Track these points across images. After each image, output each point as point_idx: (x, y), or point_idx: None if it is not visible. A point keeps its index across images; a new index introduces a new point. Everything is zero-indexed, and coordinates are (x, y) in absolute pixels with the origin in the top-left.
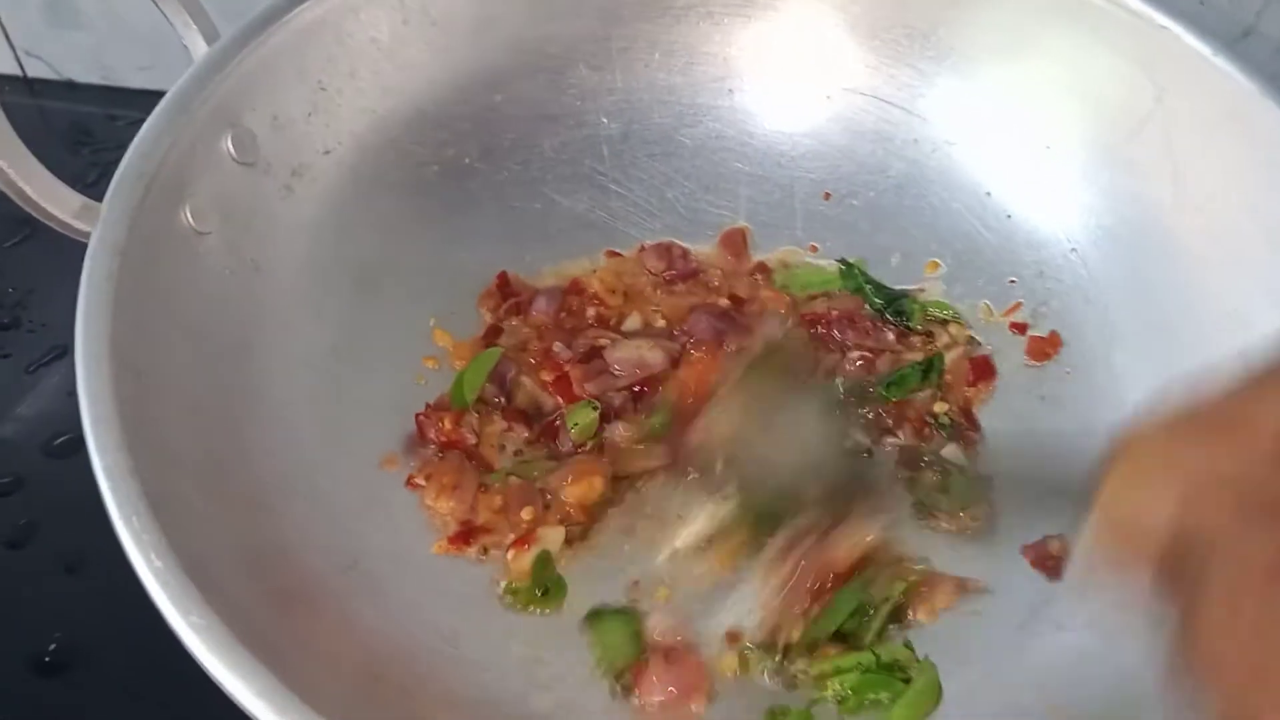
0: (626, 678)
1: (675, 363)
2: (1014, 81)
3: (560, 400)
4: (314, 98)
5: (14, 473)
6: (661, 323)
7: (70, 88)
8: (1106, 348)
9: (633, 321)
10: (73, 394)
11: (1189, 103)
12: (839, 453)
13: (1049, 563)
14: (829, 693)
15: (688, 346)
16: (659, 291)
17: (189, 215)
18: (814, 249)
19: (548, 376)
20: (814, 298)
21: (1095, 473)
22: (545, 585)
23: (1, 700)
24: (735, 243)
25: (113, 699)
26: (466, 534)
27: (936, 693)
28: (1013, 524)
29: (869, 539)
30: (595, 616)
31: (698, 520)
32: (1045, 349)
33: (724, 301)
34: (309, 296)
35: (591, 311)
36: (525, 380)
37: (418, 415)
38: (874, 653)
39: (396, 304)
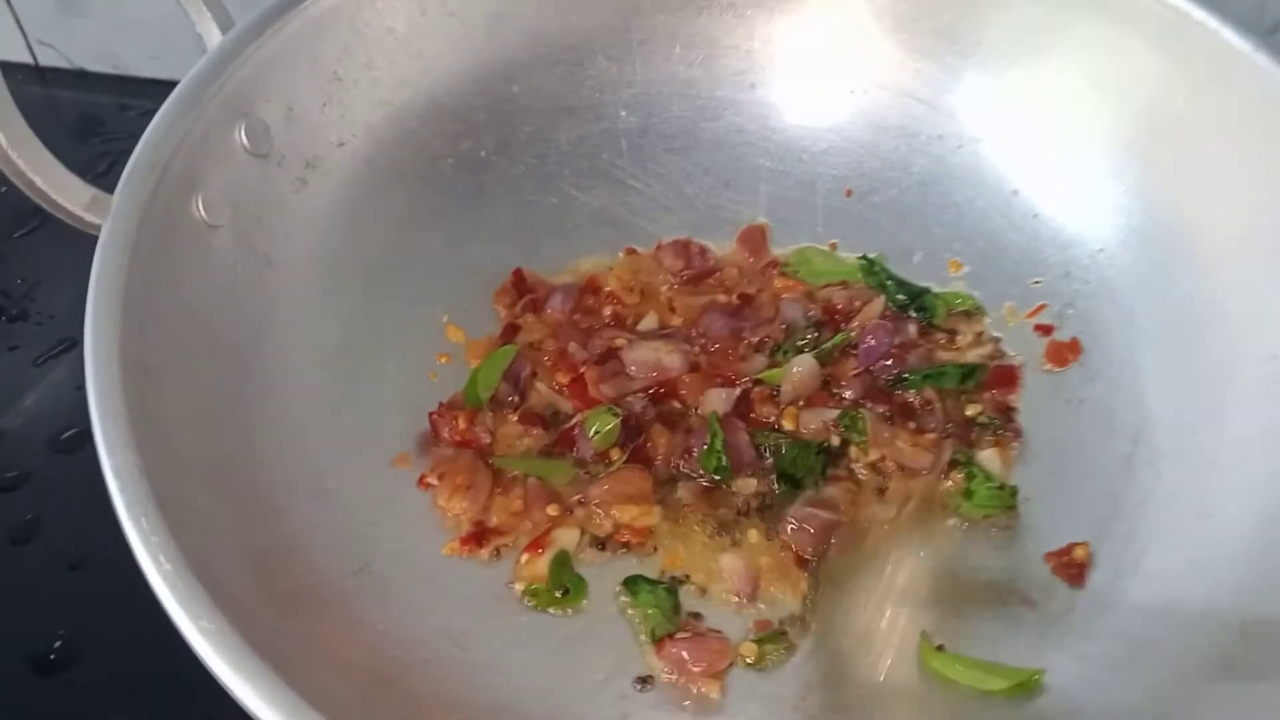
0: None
1: (694, 367)
2: (1042, 78)
3: (576, 405)
4: (329, 88)
5: (19, 467)
6: (678, 322)
7: (81, 76)
8: (1132, 350)
9: (649, 321)
10: (81, 388)
11: (1224, 101)
12: None
13: (1072, 570)
14: None
15: (706, 348)
16: (677, 290)
17: (200, 207)
18: (834, 246)
19: (563, 379)
20: (828, 286)
21: None
22: (565, 585)
23: (4, 698)
24: (754, 240)
25: (116, 697)
26: (479, 535)
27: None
28: (1036, 530)
29: None
30: (634, 584)
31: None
32: (1065, 354)
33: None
34: (321, 291)
35: (608, 310)
36: (540, 386)
37: (431, 414)
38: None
39: (409, 299)
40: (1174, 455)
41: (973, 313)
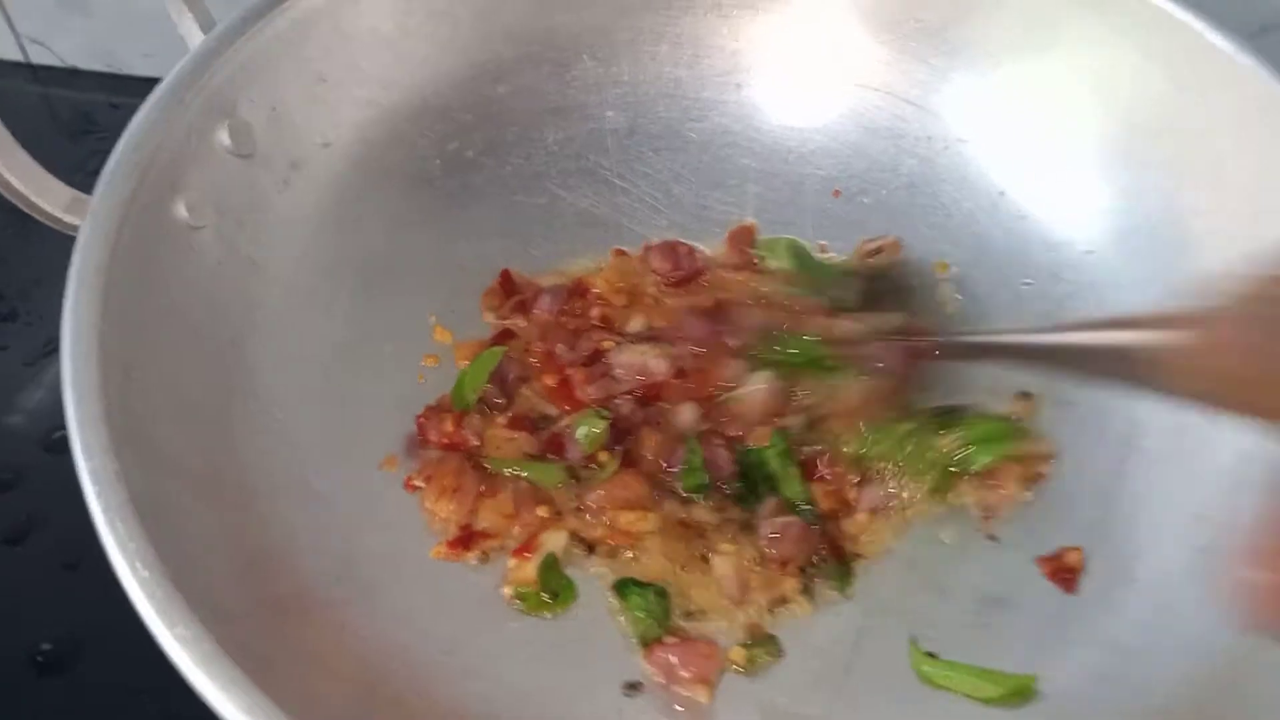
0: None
1: (681, 373)
2: (1030, 78)
3: (562, 408)
4: (313, 88)
5: (13, 467)
6: (664, 324)
7: (74, 75)
8: None
9: (636, 323)
10: None
11: (1211, 101)
12: None
13: (1065, 575)
14: None
15: (689, 352)
16: (664, 291)
17: (183, 208)
18: (823, 248)
19: (550, 381)
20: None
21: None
22: (554, 589)
23: (0, 698)
24: (743, 240)
25: (112, 697)
26: (466, 539)
27: (1017, 694)
28: (1027, 535)
29: None
30: (624, 588)
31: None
32: None
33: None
34: (306, 293)
35: (596, 311)
36: (526, 391)
37: (418, 417)
38: None
39: (396, 301)
40: (1166, 458)
41: None
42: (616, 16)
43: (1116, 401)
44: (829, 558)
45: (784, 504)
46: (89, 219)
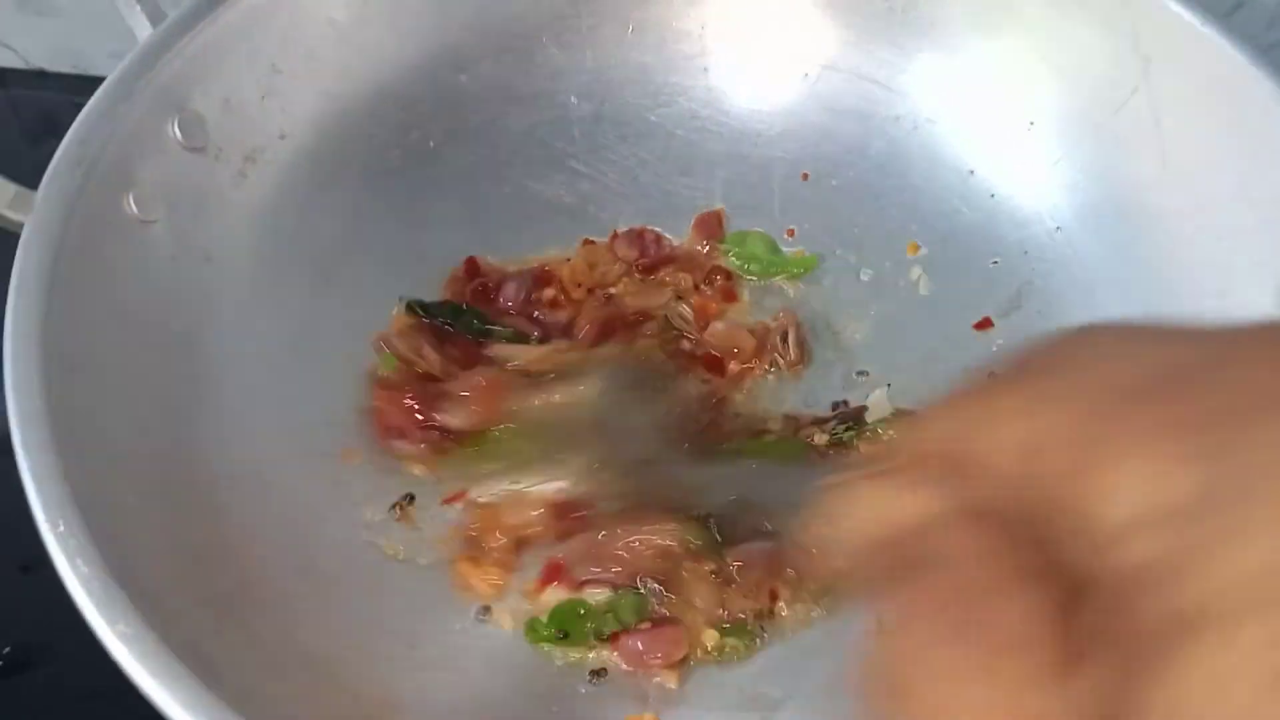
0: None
1: None
2: (996, 56)
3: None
4: (268, 80)
5: None
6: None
7: (40, 76)
8: None
9: (559, 316)
10: None
11: (1176, 75)
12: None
13: None
14: None
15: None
16: (632, 280)
17: (132, 203)
18: (791, 233)
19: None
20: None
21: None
22: (567, 630)
23: None
24: (710, 226)
25: (70, 702)
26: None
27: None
28: None
29: None
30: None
31: None
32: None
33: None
34: (263, 287)
35: (549, 293)
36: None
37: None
38: None
39: (357, 293)
40: None
41: None
42: (580, 2)
43: None
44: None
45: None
46: (33, 215)
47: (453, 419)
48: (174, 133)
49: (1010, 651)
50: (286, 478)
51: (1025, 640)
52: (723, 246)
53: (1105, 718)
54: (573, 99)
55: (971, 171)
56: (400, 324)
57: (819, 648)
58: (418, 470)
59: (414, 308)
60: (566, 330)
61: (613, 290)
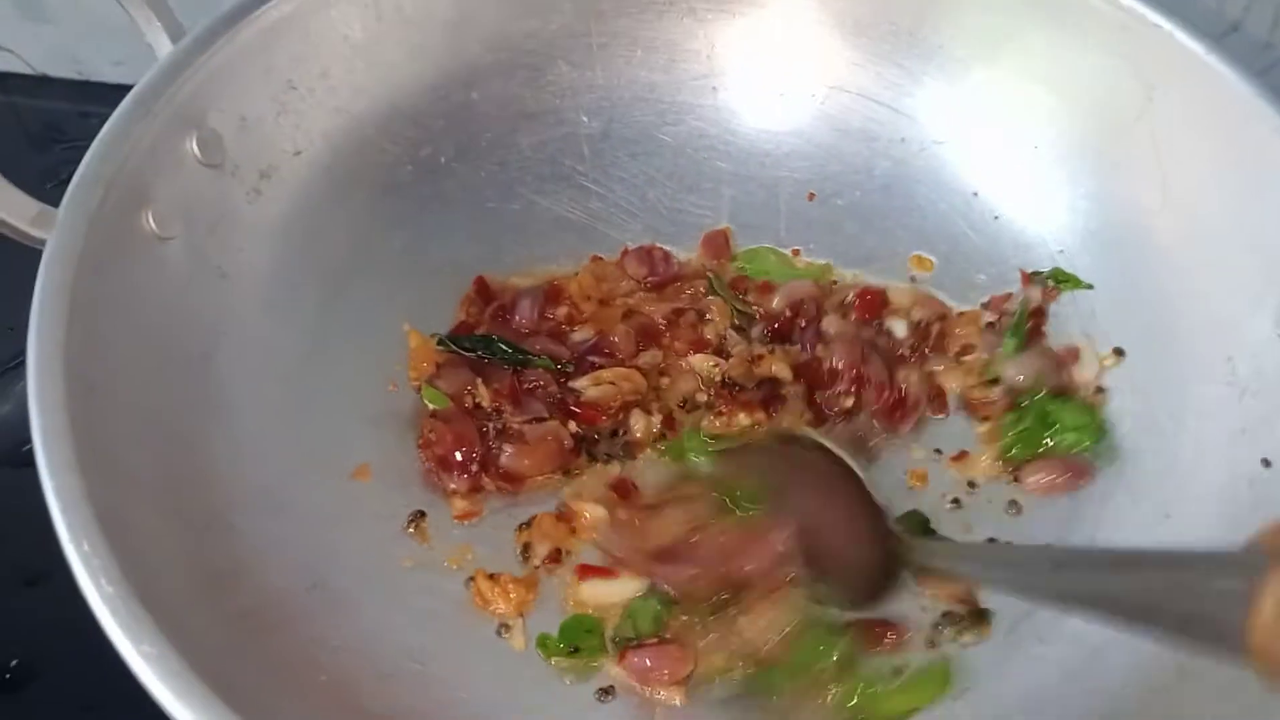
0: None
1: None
2: (1002, 80)
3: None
4: (284, 97)
5: None
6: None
7: (43, 83)
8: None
9: (583, 334)
10: None
11: (1178, 103)
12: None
13: None
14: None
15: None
16: (640, 297)
17: (151, 220)
18: (796, 253)
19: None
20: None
21: None
22: (578, 645)
23: None
24: (718, 245)
25: (75, 714)
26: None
27: (944, 683)
28: (998, 533)
29: None
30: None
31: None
32: None
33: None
34: (277, 303)
35: (562, 310)
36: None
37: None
38: None
39: (368, 309)
40: (1134, 456)
41: None
42: (590, 21)
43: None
44: None
45: None
46: (55, 233)
47: (512, 462)
48: (192, 150)
49: None
50: (299, 496)
51: None
52: (734, 264)
53: None
54: (583, 117)
55: (976, 194)
56: (427, 355)
57: None
58: (460, 504)
59: (445, 343)
60: (597, 348)
61: (630, 302)
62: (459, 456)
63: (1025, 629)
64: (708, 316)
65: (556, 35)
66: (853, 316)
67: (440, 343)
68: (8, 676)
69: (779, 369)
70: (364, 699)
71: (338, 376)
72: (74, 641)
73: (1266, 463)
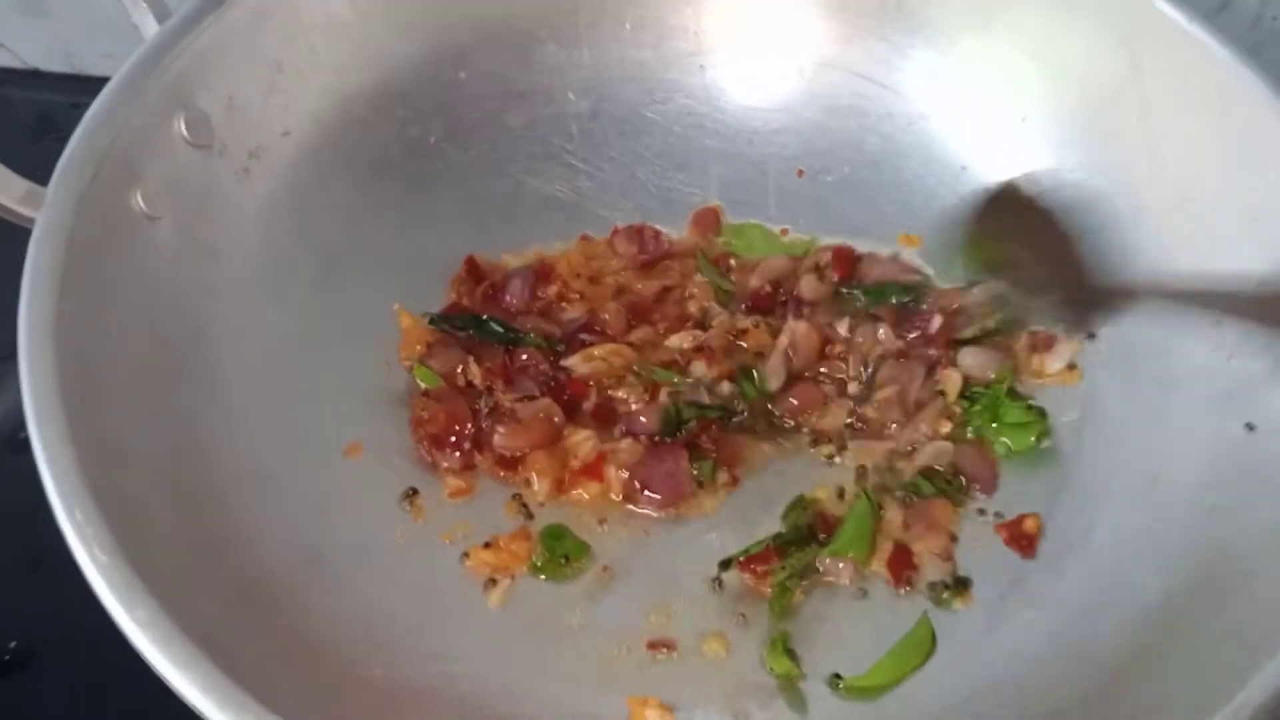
0: None
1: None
2: (989, 53)
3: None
4: (272, 77)
5: None
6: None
7: (35, 76)
8: None
9: (573, 312)
10: None
11: (1165, 74)
12: None
13: (1022, 541)
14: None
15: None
16: (630, 275)
17: (139, 200)
18: (785, 232)
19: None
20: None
21: None
22: (566, 553)
23: None
24: (707, 222)
25: (75, 699)
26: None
27: (929, 644)
28: (987, 500)
29: None
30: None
31: None
32: None
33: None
34: (268, 282)
35: (553, 289)
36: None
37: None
38: None
39: (359, 288)
40: (1123, 422)
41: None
42: None
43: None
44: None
45: None
46: (44, 211)
47: (505, 441)
48: (180, 130)
49: None
50: (293, 472)
51: None
52: (720, 240)
53: None
54: (571, 95)
55: (964, 167)
56: (419, 335)
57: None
58: (452, 481)
59: (437, 322)
60: (588, 326)
61: (620, 279)
62: (452, 435)
63: (1014, 595)
64: (690, 292)
65: (544, 14)
66: (831, 276)
67: (432, 322)
68: (7, 658)
69: (759, 339)
70: (361, 671)
71: (330, 355)
72: (73, 624)
73: (1250, 426)
